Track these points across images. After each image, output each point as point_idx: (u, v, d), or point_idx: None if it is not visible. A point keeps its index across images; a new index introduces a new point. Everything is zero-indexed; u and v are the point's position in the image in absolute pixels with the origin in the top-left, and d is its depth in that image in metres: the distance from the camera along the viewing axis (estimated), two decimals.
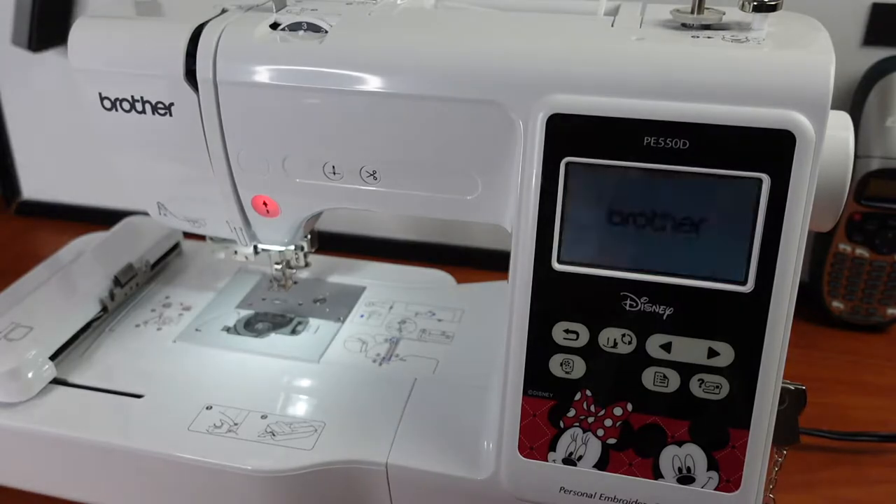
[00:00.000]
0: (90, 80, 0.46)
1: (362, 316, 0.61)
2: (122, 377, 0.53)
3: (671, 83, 0.36)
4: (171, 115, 0.45)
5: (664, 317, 0.39)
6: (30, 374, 0.50)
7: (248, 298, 0.62)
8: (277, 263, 0.58)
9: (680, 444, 0.41)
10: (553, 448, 0.42)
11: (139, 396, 0.51)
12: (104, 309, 0.58)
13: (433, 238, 0.81)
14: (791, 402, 0.43)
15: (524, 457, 0.43)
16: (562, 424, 0.42)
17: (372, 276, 0.66)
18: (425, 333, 0.58)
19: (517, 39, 0.40)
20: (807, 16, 0.42)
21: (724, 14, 0.40)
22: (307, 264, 0.58)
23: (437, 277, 0.67)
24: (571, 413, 0.42)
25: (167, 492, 0.48)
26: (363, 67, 0.41)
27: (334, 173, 0.45)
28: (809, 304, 0.70)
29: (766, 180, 0.36)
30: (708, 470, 0.41)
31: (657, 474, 0.41)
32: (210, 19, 0.44)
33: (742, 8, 0.39)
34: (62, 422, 0.49)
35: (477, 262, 0.77)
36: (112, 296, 0.59)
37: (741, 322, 0.38)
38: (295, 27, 0.44)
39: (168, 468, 0.47)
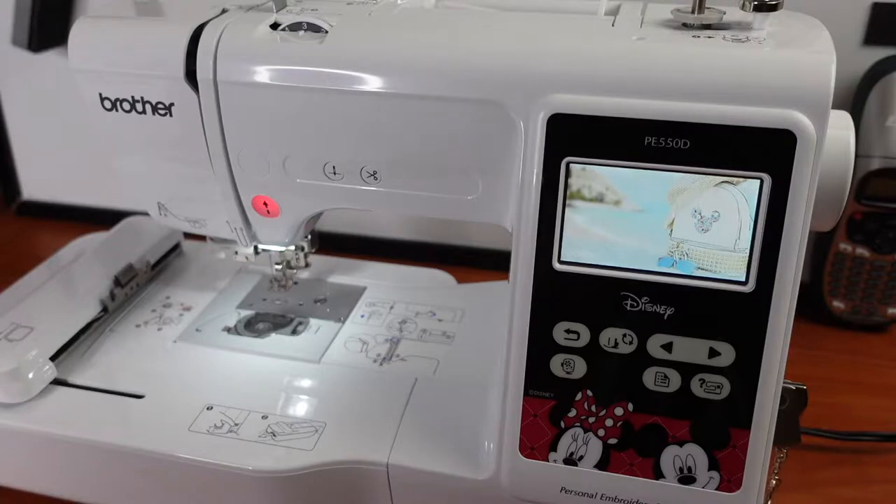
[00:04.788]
0: (90, 81, 0.46)
1: (363, 316, 0.61)
2: (122, 377, 0.53)
3: (672, 83, 0.36)
4: (171, 115, 0.45)
5: (665, 317, 0.39)
6: (30, 375, 0.50)
7: (249, 299, 0.62)
8: (278, 264, 0.58)
9: (681, 443, 0.41)
10: (554, 448, 0.42)
11: (140, 397, 0.51)
12: (105, 309, 0.58)
13: (433, 238, 0.81)
14: (792, 402, 0.43)
15: (525, 457, 0.43)
16: (563, 424, 0.42)
17: (372, 276, 0.66)
18: (426, 333, 0.58)
19: (517, 39, 0.40)
20: (807, 15, 0.42)
21: (724, 14, 0.40)
22: (307, 264, 0.58)
23: (437, 277, 0.67)
24: (572, 413, 0.42)
25: (168, 492, 0.48)
26: (363, 67, 0.41)
27: (335, 173, 0.45)
28: (810, 304, 0.70)
29: (767, 180, 0.36)
30: (709, 470, 0.41)
31: (658, 474, 0.41)
32: (210, 19, 0.44)
33: (743, 7, 0.39)
34: (63, 422, 0.49)
35: (477, 262, 0.77)
36: (112, 296, 0.59)
37: (742, 322, 0.38)
38: (295, 27, 0.44)
39: (169, 468, 0.47)
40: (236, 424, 0.48)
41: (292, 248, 0.56)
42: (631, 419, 0.41)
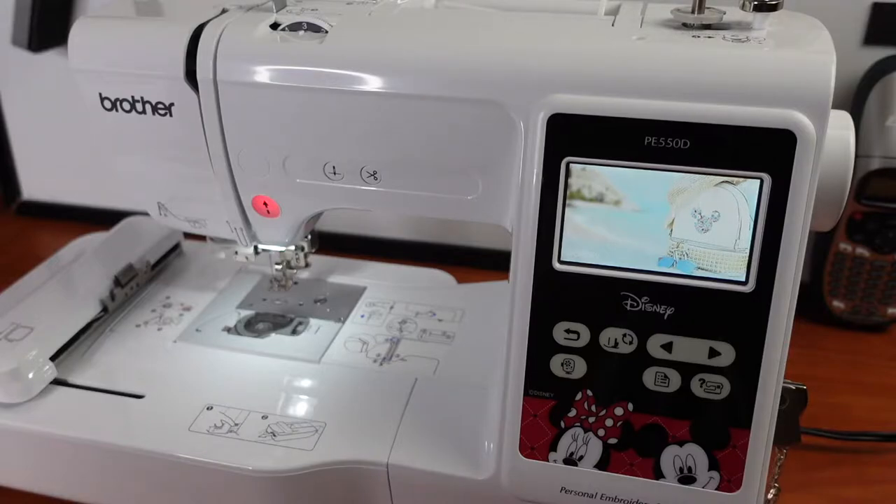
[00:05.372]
0: (90, 81, 0.46)
1: (363, 316, 0.61)
2: (122, 377, 0.53)
3: (672, 83, 0.36)
4: (171, 115, 0.45)
5: (665, 317, 0.39)
6: (30, 375, 0.50)
7: (249, 299, 0.62)
8: (278, 264, 0.58)
9: (681, 443, 0.41)
10: (554, 448, 0.42)
11: (140, 397, 0.51)
12: (105, 309, 0.58)
13: (433, 238, 0.81)
14: (792, 402, 0.43)
15: (525, 457, 0.43)
16: (563, 424, 0.42)
17: (372, 276, 0.66)
18: (426, 333, 0.58)
19: (517, 39, 0.40)
20: (807, 15, 0.42)
21: (724, 13, 0.40)
22: (307, 264, 0.58)
23: (437, 277, 0.67)
24: (572, 413, 0.42)
25: (168, 492, 0.48)
26: (363, 67, 0.41)
27: (335, 173, 0.45)
28: (810, 304, 0.70)
29: (767, 180, 0.36)
30: (709, 470, 0.41)
31: (658, 474, 0.41)
32: (210, 19, 0.44)
33: (743, 7, 0.39)
34: (63, 422, 0.49)
35: (477, 262, 0.77)
36: (112, 296, 0.59)
37: (742, 322, 0.38)
38: (295, 27, 0.44)
39: (169, 468, 0.47)
40: (236, 424, 0.48)
41: (292, 248, 0.56)
42: (631, 419, 0.41)
